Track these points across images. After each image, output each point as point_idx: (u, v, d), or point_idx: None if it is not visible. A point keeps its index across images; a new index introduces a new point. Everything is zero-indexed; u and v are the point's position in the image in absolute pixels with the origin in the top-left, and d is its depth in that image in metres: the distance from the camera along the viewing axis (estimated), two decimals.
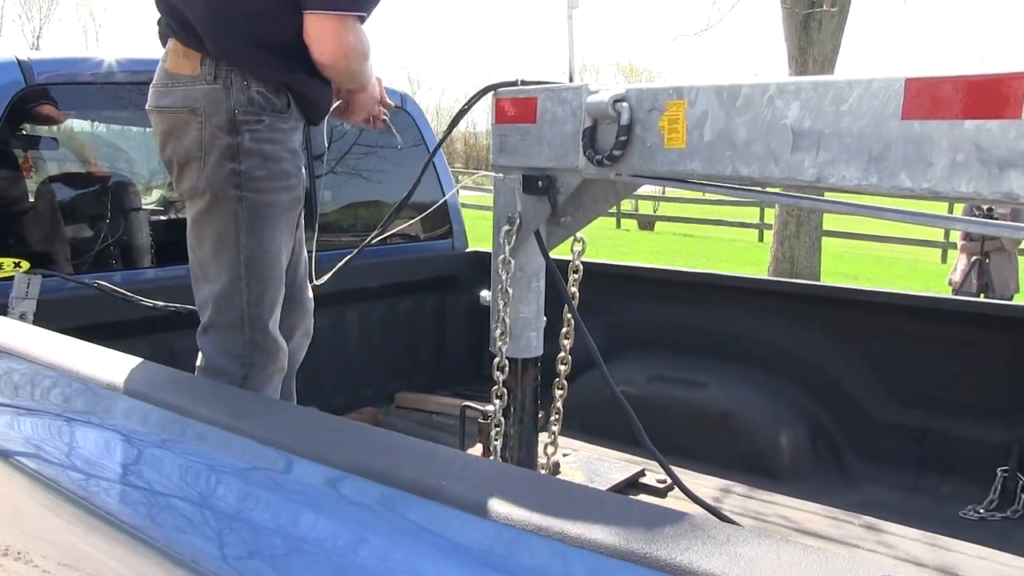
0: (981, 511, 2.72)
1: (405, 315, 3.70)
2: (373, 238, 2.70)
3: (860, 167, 1.55)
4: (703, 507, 2.36)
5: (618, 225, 21.79)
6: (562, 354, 2.64)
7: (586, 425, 3.23)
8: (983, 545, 2.48)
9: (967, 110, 1.40)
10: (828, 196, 1.95)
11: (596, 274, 3.62)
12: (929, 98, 1.44)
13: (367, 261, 3.02)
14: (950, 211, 7.43)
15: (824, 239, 11.05)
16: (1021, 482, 2.74)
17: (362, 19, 2.02)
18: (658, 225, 21.79)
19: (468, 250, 3.94)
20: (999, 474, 2.76)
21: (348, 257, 2.69)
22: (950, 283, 7.20)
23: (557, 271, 2.36)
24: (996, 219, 5.83)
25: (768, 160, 1.68)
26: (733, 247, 17.55)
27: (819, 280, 11.23)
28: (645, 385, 3.35)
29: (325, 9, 1.95)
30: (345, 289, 3.30)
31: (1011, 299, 7.08)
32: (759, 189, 1.84)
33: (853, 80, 1.56)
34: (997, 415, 2.81)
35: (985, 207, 5.77)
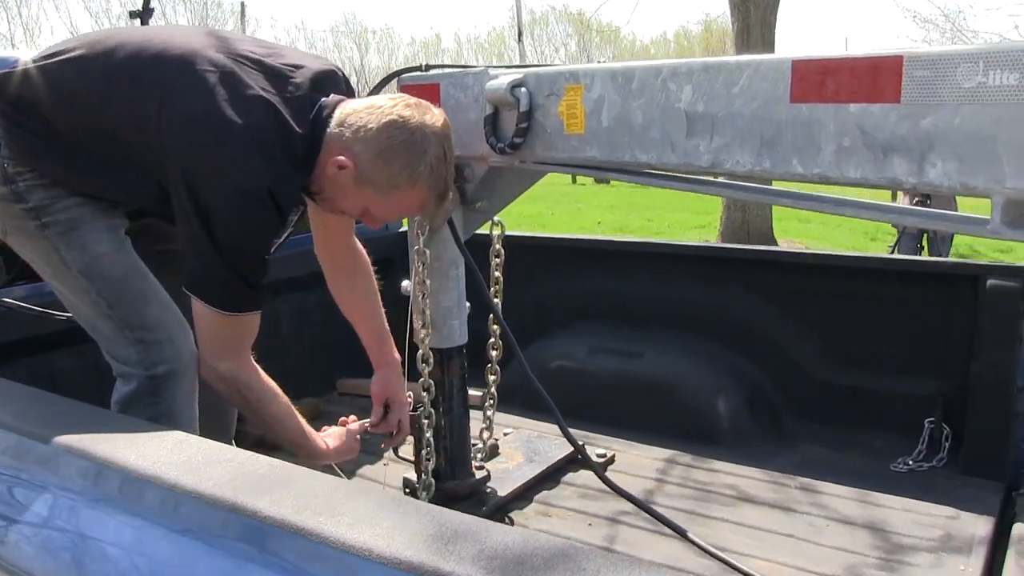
0: (910, 463, 2.76)
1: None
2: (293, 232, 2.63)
3: (753, 152, 1.52)
4: (624, 495, 2.35)
5: (573, 180, 21.75)
6: (492, 340, 2.61)
7: (529, 401, 3.21)
8: (909, 498, 2.54)
9: (850, 93, 1.37)
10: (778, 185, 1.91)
11: (532, 247, 3.60)
12: (814, 81, 1.42)
13: (296, 250, 2.96)
14: (893, 198, 7.52)
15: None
16: (946, 431, 2.78)
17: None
18: (613, 178, 21.76)
19: (402, 230, 3.88)
20: (926, 425, 2.80)
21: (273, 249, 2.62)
22: (894, 225, 7.27)
23: (471, 258, 2.32)
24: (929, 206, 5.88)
25: (665, 146, 1.65)
26: (686, 197, 17.58)
27: (772, 229, 11.32)
28: (585, 358, 3.34)
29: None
30: (277, 279, 3.24)
31: (950, 241, 7.18)
32: (704, 179, 1.79)
33: (743, 62, 1.52)
34: (925, 368, 2.85)
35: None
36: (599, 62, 1.94)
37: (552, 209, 13.35)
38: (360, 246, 2.48)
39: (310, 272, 3.47)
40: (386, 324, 2.50)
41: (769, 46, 10.12)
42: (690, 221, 13.21)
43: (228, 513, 1.21)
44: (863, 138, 1.37)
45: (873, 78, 1.33)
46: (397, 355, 2.50)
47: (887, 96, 1.32)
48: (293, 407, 2.14)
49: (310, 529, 1.12)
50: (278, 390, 2.11)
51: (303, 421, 2.17)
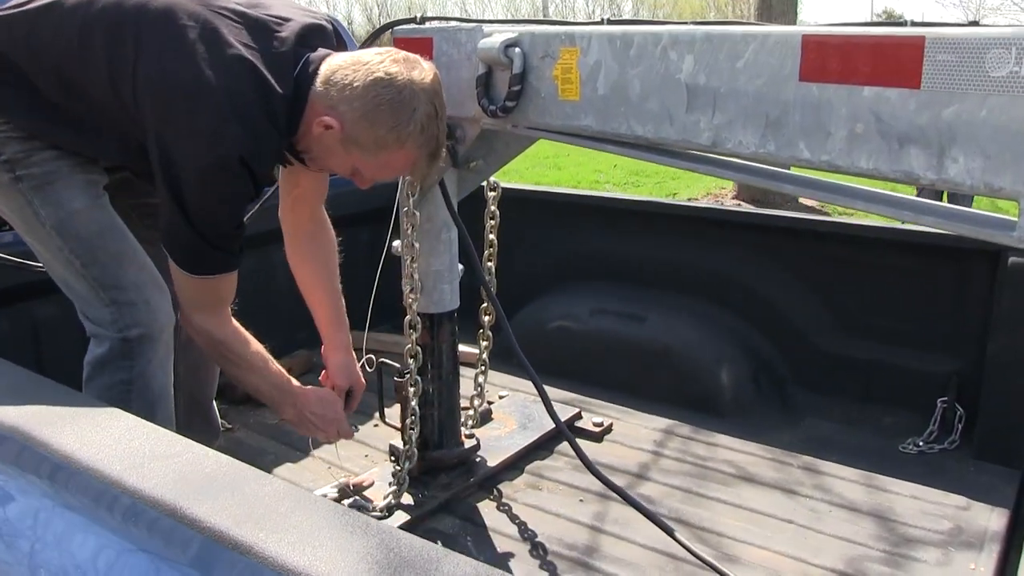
0: (920, 443, 2.66)
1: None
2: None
3: (757, 132, 1.38)
4: (610, 485, 2.25)
5: None
6: (484, 304, 2.51)
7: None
8: (917, 483, 2.43)
9: (865, 75, 1.23)
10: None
11: (534, 202, 3.47)
12: (826, 58, 1.27)
13: None
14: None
15: None
16: (959, 413, 2.67)
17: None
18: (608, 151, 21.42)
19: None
20: (939, 405, 2.69)
21: (260, 201, 2.52)
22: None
23: (460, 221, 2.20)
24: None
25: (663, 119, 1.51)
26: None
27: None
28: (587, 319, 3.23)
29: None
30: (270, 229, 3.13)
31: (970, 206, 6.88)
32: (706, 157, 1.63)
33: (749, 33, 1.38)
34: (938, 345, 2.73)
35: None
36: (603, 20, 1.80)
37: (568, 149, 13.11)
38: (328, 221, 2.37)
39: None
40: (343, 305, 2.38)
41: None
42: None
43: (166, 518, 1.12)
44: (877, 125, 1.23)
45: (891, 59, 1.19)
46: (350, 337, 2.40)
47: (906, 80, 1.18)
48: (271, 362, 2.08)
49: (248, 545, 1.03)
50: (255, 345, 2.05)
51: (281, 377, 2.10)
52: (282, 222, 2.32)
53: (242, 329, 2.03)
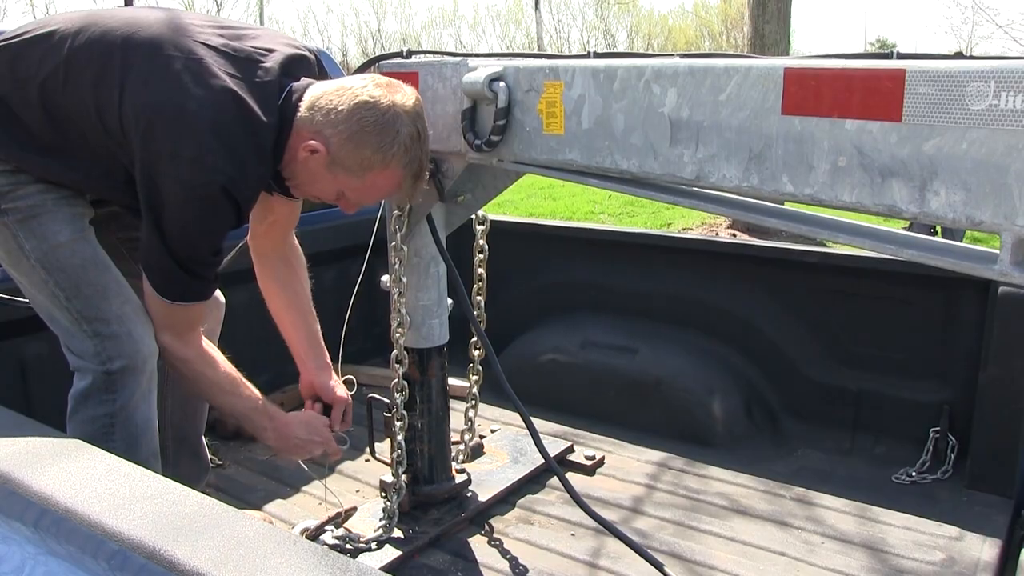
0: (913, 474, 2.64)
1: (330, 284, 3.53)
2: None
3: (740, 166, 1.38)
4: (599, 521, 2.23)
5: None
6: (474, 339, 2.49)
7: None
8: (910, 514, 2.42)
9: (847, 108, 1.23)
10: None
11: (526, 235, 3.46)
12: (807, 91, 1.27)
13: None
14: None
15: None
16: (951, 442, 2.66)
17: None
18: (593, 184, 21.50)
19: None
20: (931, 435, 2.68)
21: (242, 243, 2.51)
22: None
23: (448, 256, 2.20)
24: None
25: (647, 153, 1.51)
26: None
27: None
28: (578, 352, 3.22)
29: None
30: None
31: (963, 233, 6.87)
32: (691, 191, 1.63)
33: (731, 67, 1.38)
34: (930, 375, 2.72)
35: None
36: (589, 53, 1.80)
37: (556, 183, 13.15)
38: (299, 246, 2.40)
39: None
40: (319, 327, 2.39)
41: (785, 19, 9.82)
42: None
43: (149, 564, 1.10)
44: (860, 158, 1.23)
45: (872, 92, 1.19)
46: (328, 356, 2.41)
47: (887, 113, 1.18)
48: (243, 385, 2.08)
49: None
50: (224, 367, 2.06)
51: (253, 400, 2.10)
52: (252, 248, 2.34)
53: (211, 351, 2.05)
